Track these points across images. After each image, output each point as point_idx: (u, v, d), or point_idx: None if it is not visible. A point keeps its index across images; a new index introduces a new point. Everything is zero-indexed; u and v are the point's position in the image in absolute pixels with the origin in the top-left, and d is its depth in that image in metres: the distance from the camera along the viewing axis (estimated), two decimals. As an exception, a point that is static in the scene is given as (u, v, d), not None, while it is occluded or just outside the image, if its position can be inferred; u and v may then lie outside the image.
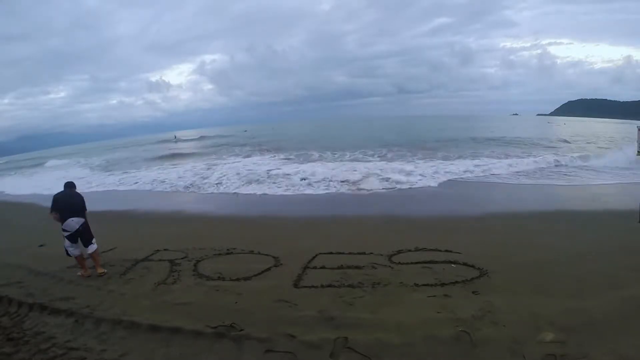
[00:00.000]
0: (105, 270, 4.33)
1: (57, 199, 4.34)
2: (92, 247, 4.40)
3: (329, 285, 3.64)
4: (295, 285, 3.70)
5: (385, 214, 7.04)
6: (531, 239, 5.14)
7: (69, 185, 4.60)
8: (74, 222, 4.26)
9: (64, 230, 4.25)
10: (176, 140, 43.84)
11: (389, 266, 4.14)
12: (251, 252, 4.85)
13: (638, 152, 6.69)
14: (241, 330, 2.80)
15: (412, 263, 4.18)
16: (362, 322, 2.87)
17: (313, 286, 3.65)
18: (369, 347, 2.53)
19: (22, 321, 3.22)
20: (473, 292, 3.37)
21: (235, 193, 10.30)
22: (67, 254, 4.32)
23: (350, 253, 4.57)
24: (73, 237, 4.29)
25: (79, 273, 4.31)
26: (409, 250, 4.59)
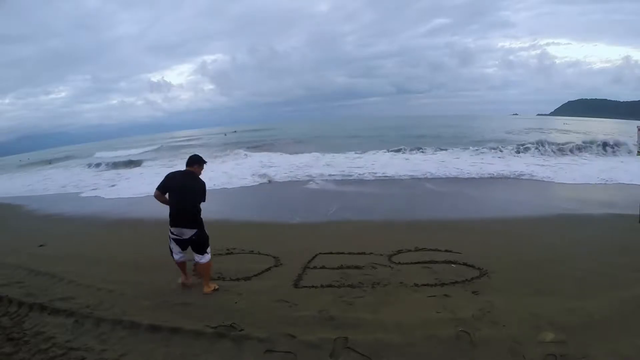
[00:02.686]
0: (217, 287, 3.62)
1: (170, 177, 3.57)
2: (206, 257, 3.58)
3: (329, 285, 3.64)
4: (295, 285, 3.71)
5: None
6: (531, 239, 5.15)
7: (195, 160, 3.66)
8: (185, 232, 3.51)
9: (171, 232, 3.56)
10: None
11: (389, 266, 4.14)
12: (251, 252, 4.86)
13: (638, 152, 6.68)
14: (241, 330, 2.80)
15: (412, 263, 4.19)
16: (362, 322, 2.86)
17: (313, 286, 3.65)
18: (369, 347, 2.53)
19: (22, 321, 3.21)
20: (473, 292, 3.37)
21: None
22: (170, 253, 3.69)
23: (350, 253, 4.57)
24: (183, 244, 3.58)
25: (179, 281, 3.75)
26: (409, 250, 4.59)
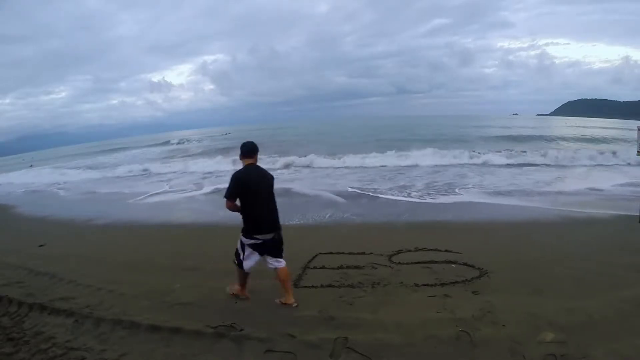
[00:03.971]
0: (297, 303, 3.18)
1: (244, 179, 3.03)
2: (283, 261, 3.21)
3: (329, 285, 3.64)
4: (296, 285, 3.70)
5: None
6: (531, 239, 5.15)
7: (256, 149, 3.18)
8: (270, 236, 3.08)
9: (254, 238, 3.10)
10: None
11: (389, 266, 4.14)
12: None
13: (638, 152, 6.68)
14: (241, 330, 2.80)
15: (412, 263, 4.19)
16: (362, 322, 2.87)
17: (313, 286, 3.66)
18: (369, 347, 2.53)
19: (22, 321, 3.21)
20: (473, 292, 3.37)
21: None
22: (238, 263, 3.19)
23: (350, 253, 4.57)
24: (262, 249, 3.13)
25: (233, 291, 3.35)
26: (409, 250, 4.59)
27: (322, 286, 3.63)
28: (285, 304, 3.20)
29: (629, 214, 6.04)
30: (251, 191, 3.04)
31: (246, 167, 3.15)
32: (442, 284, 3.56)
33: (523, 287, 3.47)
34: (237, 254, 3.21)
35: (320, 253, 4.57)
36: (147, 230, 6.76)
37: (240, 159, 3.20)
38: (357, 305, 3.20)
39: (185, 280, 3.98)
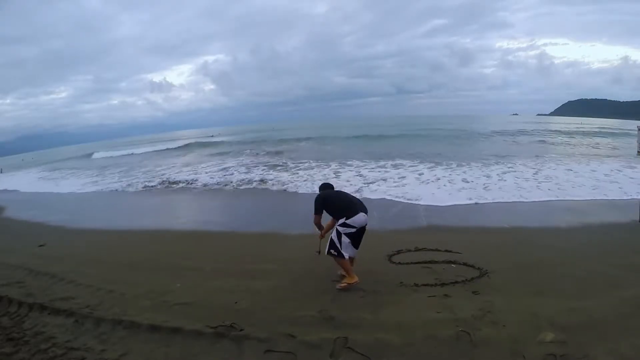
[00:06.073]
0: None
1: (327, 197, 3.72)
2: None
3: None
4: (296, 285, 3.70)
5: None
6: (531, 239, 5.15)
7: (329, 186, 4.04)
8: (365, 218, 3.56)
9: (348, 225, 3.51)
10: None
11: (389, 266, 4.13)
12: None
13: (638, 151, 6.68)
14: (241, 330, 2.80)
15: (412, 263, 4.19)
16: (362, 322, 2.87)
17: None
18: (369, 347, 2.53)
19: (22, 321, 3.21)
20: (473, 292, 3.37)
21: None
22: (337, 253, 3.52)
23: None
24: (358, 235, 3.60)
25: (343, 284, 3.56)
26: (409, 250, 4.59)
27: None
28: (349, 284, 3.55)
29: (628, 213, 6.05)
30: (336, 199, 3.76)
31: (331, 191, 3.95)
32: (442, 284, 3.55)
33: (523, 287, 3.46)
34: (336, 247, 3.55)
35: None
36: (147, 231, 6.76)
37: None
38: (357, 305, 3.20)
39: (185, 280, 3.99)
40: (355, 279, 3.55)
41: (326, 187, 4.02)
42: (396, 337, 2.63)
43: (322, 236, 3.87)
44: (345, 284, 3.54)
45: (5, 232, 7.47)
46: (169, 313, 3.17)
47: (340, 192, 3.96)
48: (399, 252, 4.55)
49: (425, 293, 3.39)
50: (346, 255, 3.54)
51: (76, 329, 3.01)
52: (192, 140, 36.62)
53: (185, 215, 8.11)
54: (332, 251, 3.55)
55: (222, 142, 31.64)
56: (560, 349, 2.43)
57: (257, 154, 20.74)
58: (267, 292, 3.53)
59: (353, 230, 3.54)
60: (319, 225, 3.78)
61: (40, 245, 5.85)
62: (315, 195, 3.82)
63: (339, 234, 3.55)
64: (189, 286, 3.80)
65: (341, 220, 3.54)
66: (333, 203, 3.69)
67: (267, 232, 6.09)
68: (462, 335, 2.62)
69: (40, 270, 4.44)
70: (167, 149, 30.90)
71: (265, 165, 15.09)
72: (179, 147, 31.16)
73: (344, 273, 3.64)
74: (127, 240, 6.23)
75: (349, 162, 14.11)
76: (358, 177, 11.27)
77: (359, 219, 3.53)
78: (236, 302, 3.34)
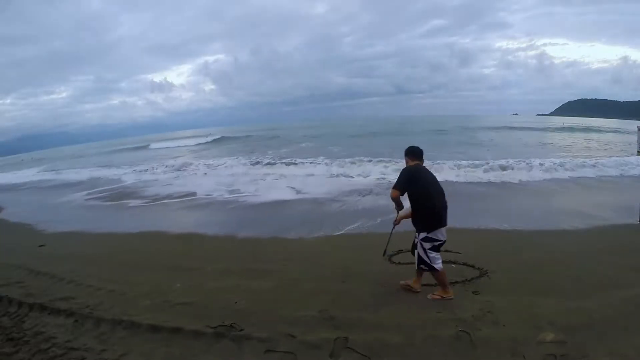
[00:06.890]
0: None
1: (415, 177, 3.13)
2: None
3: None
4: (296, 285, 3.70)
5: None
6: (531, 239, 5.14)
7: (418, 155, 3.31)
8: (445, 229, 3.16)
9: (431, 240, 3.15)
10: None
11: (389, 266, 4.13)
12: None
13: (638, 151, 6.69)
14: (241, 330, 2.80)
15: (412, 263, 4.17)
16: (362, 322, 2.87)
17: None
18: (369, 347, 2.53)
19: (22, 321, 3.21)
20: (473, 292, 3.37)
21: None
22: (428, 268, 3.19)
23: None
24: (438, 248, 3.21)
25: (436, 295, 3.25)
26: (409, 250, 4.58)
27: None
28: (411, 287, 3.41)
29: (628, 214, 6.04)
30: (428, 184, 3.17)
31: (420, 165, 3.32)
32: (442, 284, 3.55)
33: (523, 287, 3.46)
34: (426, 260, 3.18)
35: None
36: (147, 230, 6.76)
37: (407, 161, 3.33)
38: (357, 305, 3.20)
39: (185, 280, 3.99)
40: (451, 294, 3.20)
41: (415, 155, 3.29)
42: (396, 337, 2.63)
43: (397, 222, 3.42)
44: (439, 296, 3.23)
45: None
46: (169, 313, 3.17)
47: (428, 176, 3.24)
48: (399, 252, 4.55)
49: (425, 293, 3.39)
50: (438, 267, 3.18)
51: (76, 329, 3.01)
52: (218, 136, 39.50)
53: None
54: (422, 266, 3.20)
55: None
56: (560, 349, 2.43)
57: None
58: (267, 292, 3.53)
59: (437, 243, 3.16)
60: (397, 200, 3.20)
61: (40, 246, 5.85)
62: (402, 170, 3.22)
63: (424, 250, 3.16)
64: (189, 286, 3.80)
65: (423, 234, 3.13)
66: (417, 189, 3.10)
67: (267, 232, 6.09)
68: (462, 335, 2.61)
69: (40, 270, 4.44)
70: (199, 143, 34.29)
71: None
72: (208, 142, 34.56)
73: (409, 283, 3.39)
74: (126, 241, 6.22)
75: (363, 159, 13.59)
76: (359, 177, 11.30)
77: (441, 233, 3.13)
78: (236, 302, 3.33)
